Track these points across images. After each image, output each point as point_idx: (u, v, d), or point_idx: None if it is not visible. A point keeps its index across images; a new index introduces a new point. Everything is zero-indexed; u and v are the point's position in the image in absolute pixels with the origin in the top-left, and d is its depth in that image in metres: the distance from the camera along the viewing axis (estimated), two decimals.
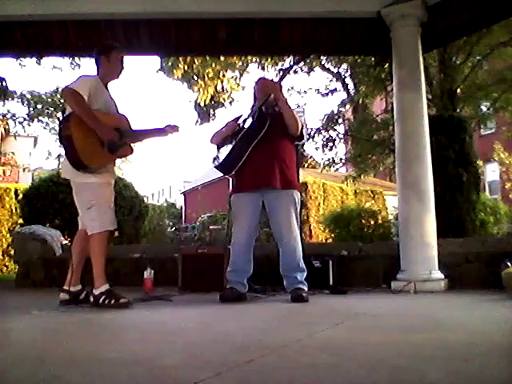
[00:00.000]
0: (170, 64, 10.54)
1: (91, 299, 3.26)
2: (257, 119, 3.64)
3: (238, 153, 3.61)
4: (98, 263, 3.23)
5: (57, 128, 11.85)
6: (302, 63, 12.43)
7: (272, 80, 3.87)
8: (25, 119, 12.05)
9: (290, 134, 3.69)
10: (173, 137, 3.75)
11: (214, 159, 3.79)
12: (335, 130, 12.44)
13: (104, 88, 3.44)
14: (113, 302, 3.15)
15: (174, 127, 3.65)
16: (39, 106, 12.24)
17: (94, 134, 3.22)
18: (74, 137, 3.16)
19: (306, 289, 3.56)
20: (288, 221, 3.56)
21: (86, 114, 3.19)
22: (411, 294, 3.93)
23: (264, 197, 3.64)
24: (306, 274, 3.61)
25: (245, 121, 3.69)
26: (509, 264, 3.83)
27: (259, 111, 3.66)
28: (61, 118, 3.08)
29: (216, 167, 3.79)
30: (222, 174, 3.97)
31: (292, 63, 11.68)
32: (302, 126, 3.75)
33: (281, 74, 11.70)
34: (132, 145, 3.57)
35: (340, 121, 12.81)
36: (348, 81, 14.30)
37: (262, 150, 3.56)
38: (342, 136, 12.80)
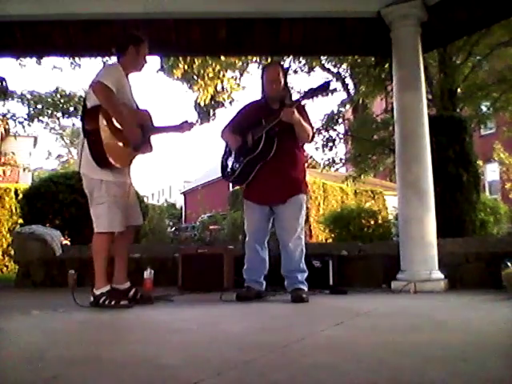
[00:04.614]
0: (170, 64, 10.53)
1: (106, 300, 3.18)
2: (264, 142, 3.53)
3: (247, 171, 3.63)
4: (100, 263, 3.22)
5: (57, 128, 11.85)
6: (303, 63, 12.41)
7: (291, 108, 3.47)
8: (25, 119, 12.05)
9: (301, 142, 3.71)
10: (189, 133, 3.73)
11: (225, 172, 3.83)
12: (335, 130, 12.43)
13: (126, 79, 3.35)
14: (113, 303, 3.15)
15: (191, 124, 3.65)
16: (39, 106, 12.25)
17: (120, 131, 3.16)
18: (101, 130, 3.05)
19: (306, 289, 3.57)
20: (293, 228, 3.58)
21: (116, 112, 3.12)
22: (411, 294, 3.93)
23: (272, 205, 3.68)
24: (306, 274, 3.61)
25: (252, 132, 3.60)
26: (509, 264, 3.83)
27: (266, 134, 3.53)
28: (84, 109, 2.91)
29: (228, 181, 4.01)
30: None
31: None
32: (314, 133, 3.76)
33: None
34: (152, 143, 3.54)
35: (340, 121, 12.80)
36: (348, 81, 14.29)
37: (270, 166, 3.55)
38: (342, 136, 12.79)
